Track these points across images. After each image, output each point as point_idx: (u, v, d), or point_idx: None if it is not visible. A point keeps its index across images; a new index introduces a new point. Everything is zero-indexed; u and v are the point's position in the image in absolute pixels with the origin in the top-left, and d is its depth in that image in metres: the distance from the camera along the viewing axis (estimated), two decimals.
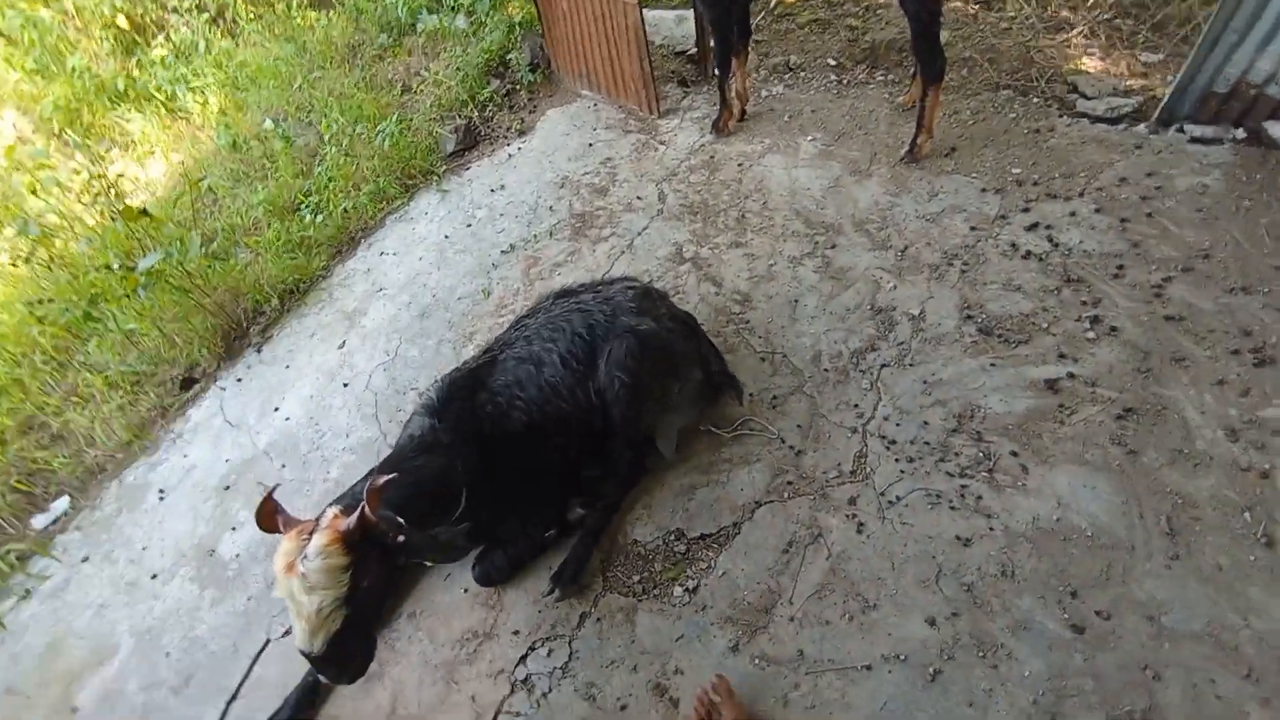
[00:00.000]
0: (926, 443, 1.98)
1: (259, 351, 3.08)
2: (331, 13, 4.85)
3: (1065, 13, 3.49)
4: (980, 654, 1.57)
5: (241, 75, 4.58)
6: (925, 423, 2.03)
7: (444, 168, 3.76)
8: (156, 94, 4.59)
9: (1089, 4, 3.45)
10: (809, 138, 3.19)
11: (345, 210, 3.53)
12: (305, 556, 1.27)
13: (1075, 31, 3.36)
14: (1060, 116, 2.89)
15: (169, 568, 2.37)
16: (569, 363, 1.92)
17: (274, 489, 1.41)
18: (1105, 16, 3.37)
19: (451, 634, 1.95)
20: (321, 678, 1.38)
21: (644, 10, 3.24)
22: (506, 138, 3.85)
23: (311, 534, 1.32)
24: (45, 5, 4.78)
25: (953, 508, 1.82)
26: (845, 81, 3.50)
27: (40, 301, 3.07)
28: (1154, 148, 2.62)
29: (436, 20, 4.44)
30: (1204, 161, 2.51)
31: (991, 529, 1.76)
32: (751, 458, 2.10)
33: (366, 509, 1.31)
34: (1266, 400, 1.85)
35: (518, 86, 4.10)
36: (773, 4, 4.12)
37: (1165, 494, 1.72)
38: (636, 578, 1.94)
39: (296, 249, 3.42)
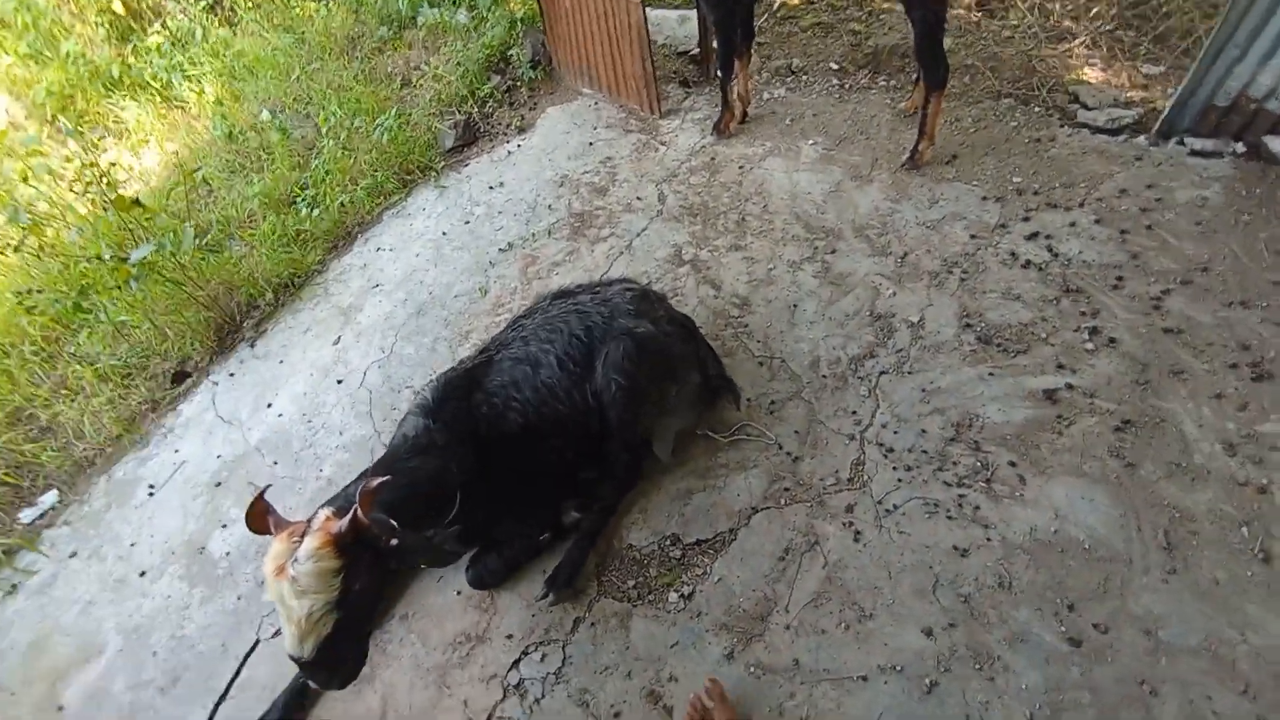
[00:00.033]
0: (924, 451, 1.97)
1: (252, 346, 3.05)
2: (331, 3, 4.79)
3: (1067, 23, 3.50)
4: (977, 666, 1.56)
5: (238, 65, 4.52)
6: (923, 431, 2.02)
7: (442, 163, 3.72)
8: (152, 82, 4.53)
9: (1091, 15, 3.46)
10: (810, 142, 3.18)
11: (342, 205, 3.50)
12: (296, 559, 1.25)
13: (1077, 42, 3.37)
14: (1061, 126, 2.90)
15: (158, 565, 2.34)
16: (566, 364, 1.90)
17: (265, 489, 1.39)
18: (1107, 28, 3.38)
19: (444, 637, 1.93)
20: (311, 683, 1.35)
21: (647, 9, 3.22)
22: (506, 134, 3.82)
23: (303, 536, 1.29)
24: None
25: (950, 517, 1.82)
26: (847, 86, 3.49)
27: (29, 291, 3.02)
28: (1154, 160, 2.63)
29: (437, 14, 4.40)
30: (1204, 175, 2.52)
31: (989, 539, 1.75)
32: (748, 463, 2.09)
33: (359, 511, 1.29)
34: (1264, 415, 1.85)
35: (518, 83, 4.07)
36: (776, 6, 4.11)
37: (1163, 507, 1.72)
38: (631, 583, 1.92)
39: (292, 243, 3.38)
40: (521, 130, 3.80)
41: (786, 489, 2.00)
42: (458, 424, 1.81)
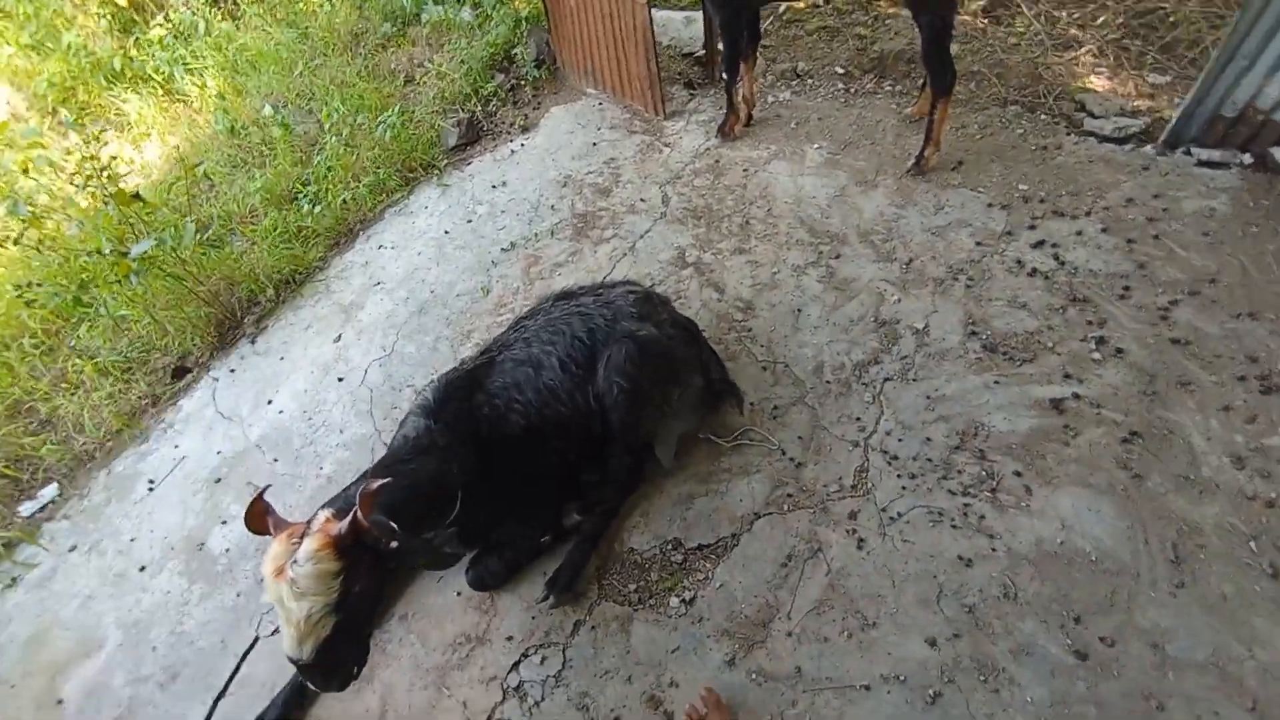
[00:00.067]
0: (929, 459, 1.96)
1: (253, 342, 3.03)
2: None
3: (1074, 31, 3.49)
4: (981, 677, 1.55)
5: (241, 59, 4.50)
6: (928, 439, 2.01)
7: (445, 162, 3.71)
8: (154, 75, 4.51)
9: (1098, 23, 3.45)
10: (815, 146, 3.17)
11: (344, 201, 3.48)
12: (295, 561, 1.23)
13: (1084, 50, 3.36)
14: (1068, 134, 2.89)
15: (157, 560, 2.32)
16: (568, 366, 1.89)
17: (264, 490, 1.37)
18: (1114, 36, 3.38)
19: (444, 638, 1.92)
20: (310, 685, 1.34)
21: (652, 10, 3.21)
22: (510, 133, 3.81)
23: (302, 538, 1.28)
24: None
25: (955, 526, 1.81)
26: (853, 90, 3.48)
27: (29, 285, 2.99)
28: (1161, 169, 2.62)
29: (442, 11, 4.38)
30: (1211, 185, 2.51)
31: (994, 550, 1.74)
32: (751, 468, 2.08)
33: (359, 514, 1.27)
34: (1273, 428, 1.84)
35: (522, 82, 4.06)
36: (782, 9, 4.10)
37: (1171, 520, 1.71)
38: (633, 586, 1.91)
39: (293, 239, 3.36)
40: (525, 129, 3.79)
41: (789, 495, 1.99)
42: (459, 425, 1.80)
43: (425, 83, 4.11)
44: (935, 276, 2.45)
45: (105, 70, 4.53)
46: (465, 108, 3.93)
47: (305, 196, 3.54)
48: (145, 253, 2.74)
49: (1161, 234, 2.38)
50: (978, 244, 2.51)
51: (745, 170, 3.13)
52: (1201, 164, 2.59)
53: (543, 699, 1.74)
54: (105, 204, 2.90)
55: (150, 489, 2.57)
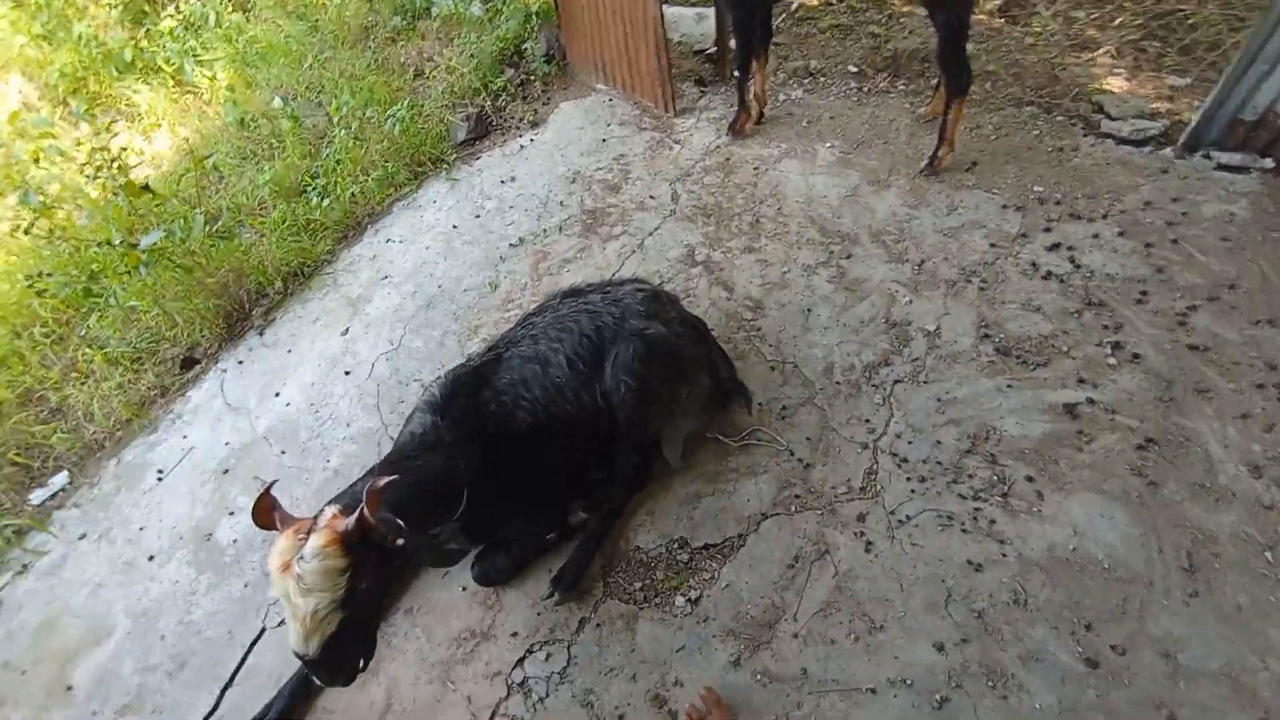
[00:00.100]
0: (939, 463, 1.94)
1: (261, 334, 3.03)
2: None
3: (1092, 31, 3.45)
4: (990, 683, 1.54)
5: (251, 51, 4.50)
6: (938, 442, 1.99)
7: (454, 156, 3.70)
8: (164, 66, 4.51)
9: (1116, 24, 3.41)
10: (827, 145, 3.14)
11: (353, 195, 3.48)
12: (302, 557, 1.23)
13: (1101, 51, 3.32)
14: (1085, 136, 2.85)
15: (166, 550, 2.34)
16: (575, 364, 1.88)
17: (271, 484, 1.37)
18: (1132, 37, 3.33)
19: (449, 632, 1.92)
20: (316, 680, 1.34)
21: (664, 6, 3.18)
22: (519, 129, 3.79)
23: (308, 533, 1.27)
24: None
25: (964, 531, 1.79)
26: (866, 89, 3.45)
27: (40, 275, 3.01)
28: (1180, 173, 2.58)
29: (452, 5, 4.36)
30: (1230, 189, 2.48)
31: (1004, 555, 1.72)
32: (759, 468, 2.06)
33: (366, 511, 1.27)
34: None
35: (532, 77, 4.04)
36: (794, 7, 4.07)
37: (1185, 528, 1.69)
38: (638, 585, 1.90)
39: (302, 232, 3.36)
40: (534, 125, 3.77)
41: (797, 496, 1.98)
42: (466, 421, 1.79)
43: (435, 77, 4.10)
44: (948, 278, 2.42)
45: (116, 61, 4.53)
46: (474, 102, 3.92)
47: (314, 189, 3.54)
48: (155, 244, 2.75)
49: (1180, 238, 2.35)
50: (991, 246, 2.49)
51: (756, 168, 3.11)
52: (1221, 168, 2.56)
53: (547, 695, 1.74)
54: (115, 195, 2.91)
55: (159, 479, 2.58)
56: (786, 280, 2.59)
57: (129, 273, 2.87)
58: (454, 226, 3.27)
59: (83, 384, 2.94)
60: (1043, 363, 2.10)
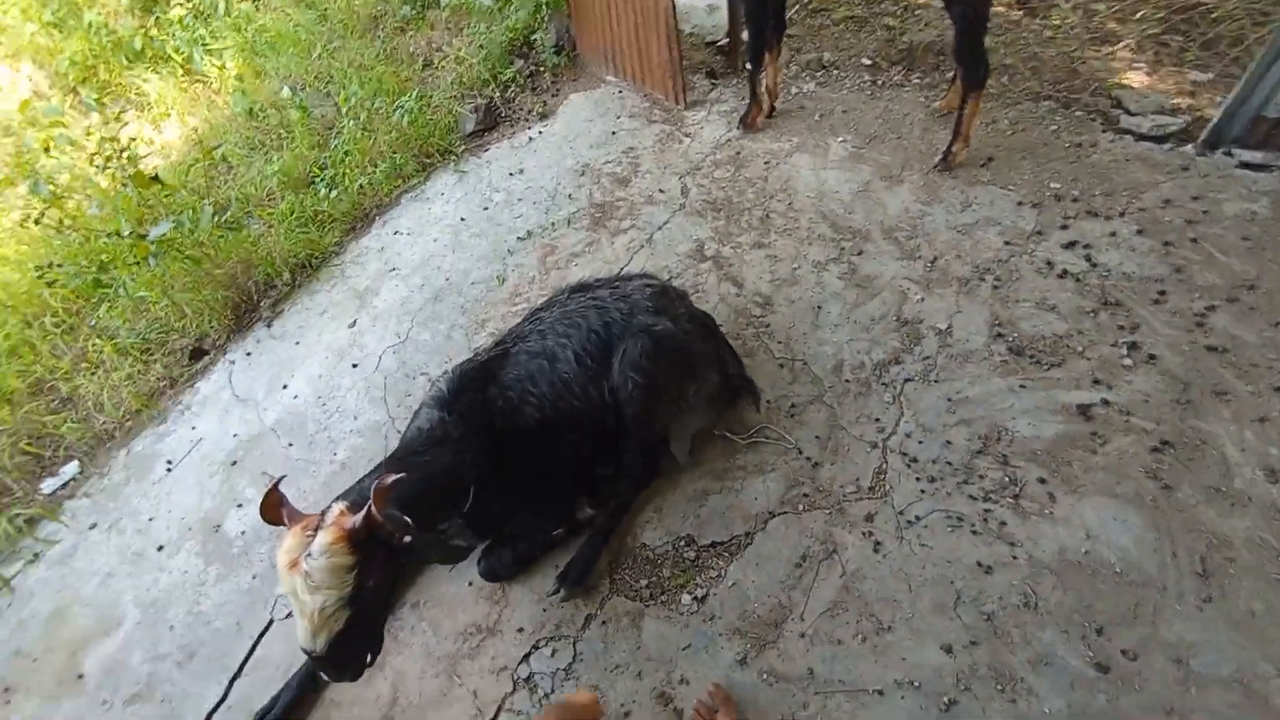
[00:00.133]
0: (949, 463, 1.93)
1: (269, 326, 3.04)
2: None
3: (1112, 25, 3.37)
4: (998, 686, 1.53)
5: (260, 40, 4.49)
6: (949, 442, 1.97)
7: (462, 148, 3.68)
8: (174, 55, 4.51)
9: (1137, 17, 3.33)
10: (839, 139, 3.10)
11: (360, 186, 3.47)
12: (310, 554, 1.23)
13: (1121, 45, 3.25)
14: (1103, 132, 2.80)
15: (175, 541, 2.36)
16: (583, 360, 1.87)
17: (279, 480, 1.37)
18: (1153, 31, 3.26)
19: (455, 626, 1.92)
20: (323, 675, 1.34)
21: None
22: (528, 120, 3.77)
23: (316, 530, 1.27)
24: None
25: (974, 532, 1.77)
26: (880, 82, 3.40)
27: (50, 265, 3.02)
28: (1200, 170, 2.53)
29: None
30: (1253, 188, 2.42)
31: (1015, 557, 1.70)
32: (766, 466, 2.05)
33: (373, 509, 1.26)
34: None
35: (541, 68, 4.01)
36: None
37: (1200, 533, 1.66)
38: (644, 582, 1.90)
39: (309, 223, 3.36)
40: (543, 116, 3.75)
41: (805, 495, 1.97)
42: (473, 417, 1.78)
43: (443, 67, 4.07)
44: (961, 276, 2.39)
45: (126, 50, 4.53)
46: (483, 93, 3.89)
47: (322, 180, 3.53)
48: (164, 235, 2.76)
49: (1200, 237, 2.30)
50: (1006, 243, 2.45)
51: (767, 163, 3.07)
52: (1243, 166, 2.50)
53: (553, 691, 1.75)
54: (124, 186, 2.91)
55: (168, 469, 2.60)
56: (796, 276, 2.56)
57: (138, 263, 2.88)
58: (462, 219, 3.26)
59: (93, 374, 2.96)
60: (1057, 363, 2.07)
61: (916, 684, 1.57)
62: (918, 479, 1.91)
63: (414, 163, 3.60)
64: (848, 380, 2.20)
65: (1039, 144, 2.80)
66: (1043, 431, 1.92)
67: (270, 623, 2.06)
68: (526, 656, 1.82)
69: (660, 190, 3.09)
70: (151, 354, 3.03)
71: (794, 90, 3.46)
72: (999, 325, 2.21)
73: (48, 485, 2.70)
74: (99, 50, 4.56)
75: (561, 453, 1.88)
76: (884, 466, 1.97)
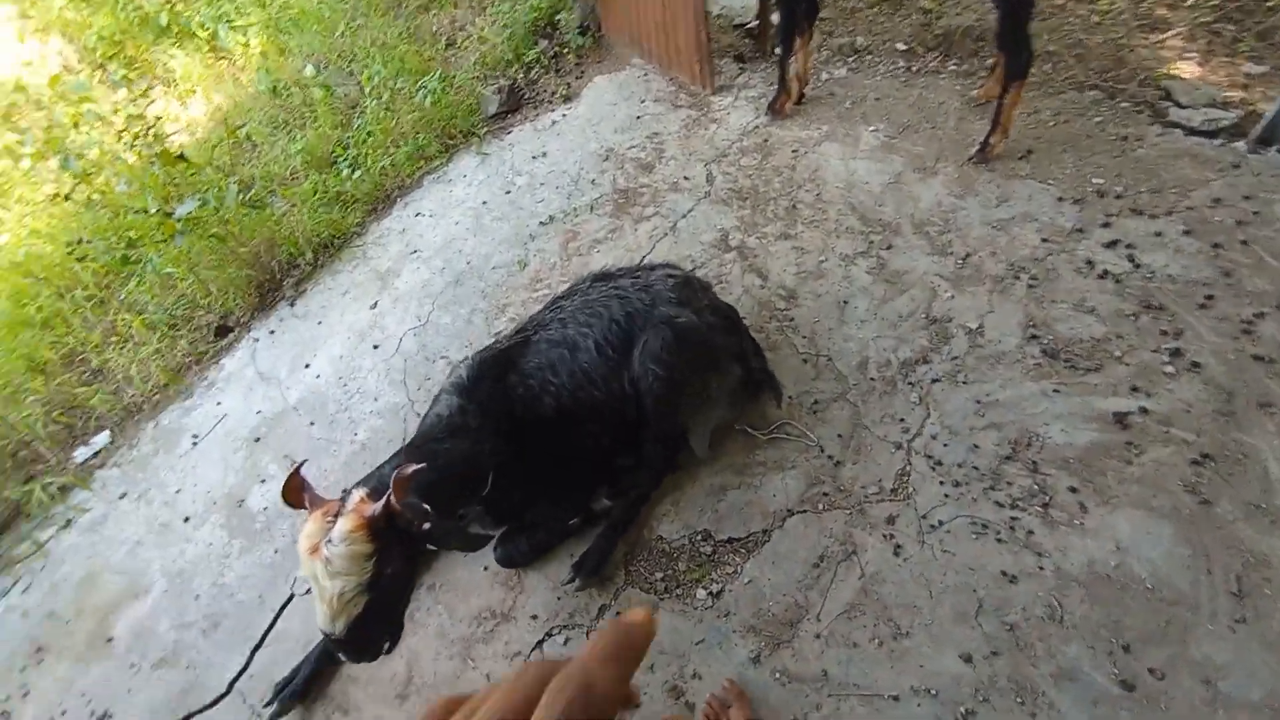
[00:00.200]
0: (976, 467, 1.88)
1: (292, 305, 3.06)
2: None
3: (1163, 10, 3.21)
4: (1018, 699, 1.50)
5: (284, 17, 4.47)
6: (976, 446, 1.92)
7: (485, 130, 3.65)
8: (199, 31, 4.51)
9: (1189, 3, 3.16)
10: (871, 128, 3.01)
11: (383, 167, 3.46)
12: (330, 540, 1.24)
13: (1172, 32, 3.09)
14: (1151, 125, 2.67)
15: (200, 513, 2.41)
16: (604, 350, 1.85)
17: (300, 465, 1.38)
18: (1206, 19, 3.09)
19: (470, 610, 1.94)
20: (341, 657, 1.36)
21: None
22: (551, 103, 3.71)
23: (337, 516, 1.28)
24: None
25: (1000, 540, 1.73)
26: (914, 69, 3.28)
27: (79, 242, 3.08)
28: (1253, 169, 2.41)
29: None
30: None
31: (1041, 568, 1.66)
32: (787, 463, 2.02)
33: (393, 498, 1.27)
34: None
35: (566, 49, 3.94)
36: None
37: (1237, 550, 1.60)
38: (659, 575, 1.90)
39: (332, 203, 3.36)
40: (567, 99, 3.69)
41: (825, 494, 1.94)
42: (492, 405, 1.78)
43: (467, 47, 4.02)
44: (994, 274, 2.31)
45: (152, 25, 4.55)
46: (507, 74, 3.84)
47: (345, 160, 3.53)
48: (189, 213, 2.78)
49: (1250, 239, 2.19)
50: (1044, 241, 2.36)
51: (795, 151, 2.99)
52: None
53: None
54: (151, 164, 2.94)
55: (194, 443, 2.65)
56: (823, 270, 2.50)
57: (165, 241, 2.91)
58: (484, 202, 3.24)
59: (122, 348, 3.02)
60: (1093, 368, 1.99)
61: (933, 692, 1.55)
62: (942, 483, 1.87)
63: (436, 144, 3.58)
64: (873, 378, 2.15)
65: (1082, 136, 2.69)
66: (1076, 439, 1.86)
67: (291, 597, 2.10)
68: (540, 643, 1.83)
69: (685, 177, 3.03)
70: (178, 330, 3.08)
71: (824, 76, 3.36)
72: (1033, 326, 2.14)
73: (80, 454, 2.78)
74: (126, 26, 4.59)
75: (581, 442, 1.87)
76: (908, 468, 1.93)
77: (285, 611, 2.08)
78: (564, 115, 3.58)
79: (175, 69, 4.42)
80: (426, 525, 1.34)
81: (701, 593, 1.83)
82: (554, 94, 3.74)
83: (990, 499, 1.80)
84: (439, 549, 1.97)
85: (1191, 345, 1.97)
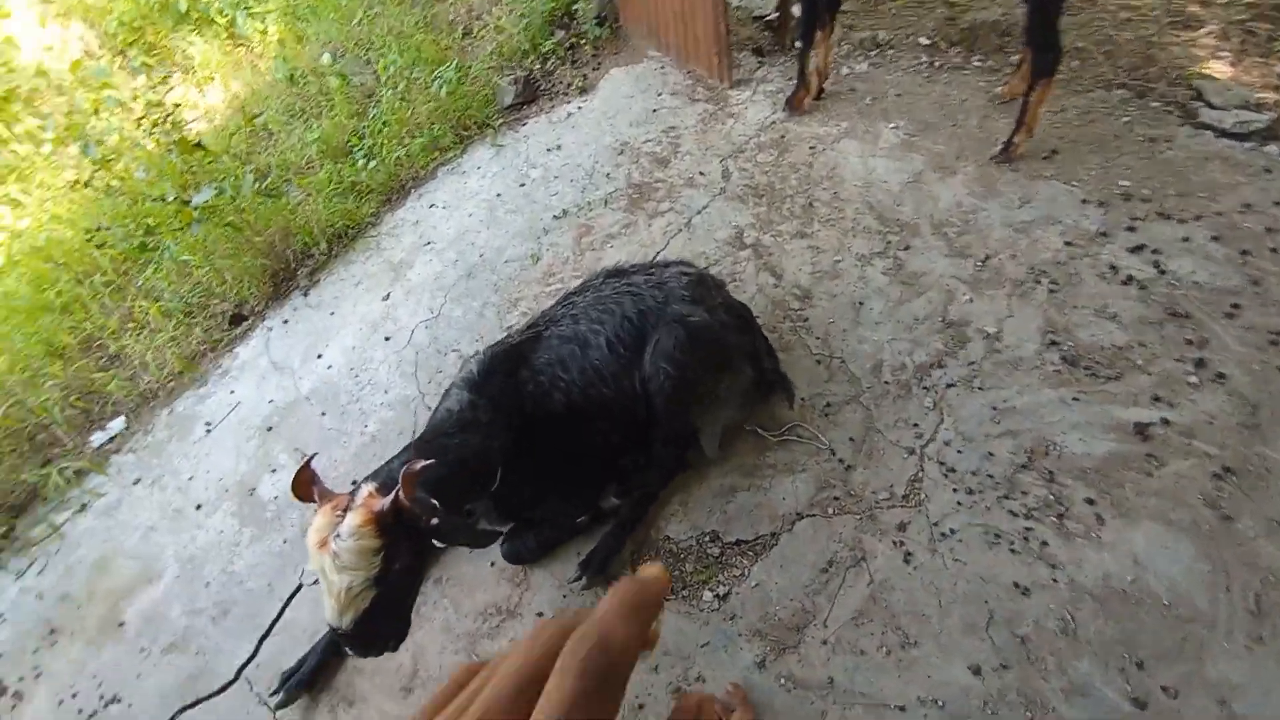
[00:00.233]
0: (990, 476, 1.85)
1: (305, 295, 3.08)
2: None
3: (1195, 7, 3.11)
4: (1028, 713, 1.48)
5: (302, 4, 4.47)
6: (990, 454, 1.89)
7: (500, 121, 3.63)
8: (218, 18, 4.53)
9: (1222, 0, 3.06)
10: (890, 125, 2.95)
11: (398, 158, 3.45)
12: (338, 535, 1.24)
13: (1205, 30, 3.00)
14: (1181, 126, 2.60)
15: (212, 501, 2.44)
16: (615, 347, 1.84)
17: (310, 458, 1.38)
18: (1240, 16, 3.00)
19: (475, 605, 1.95)
20: (349, 651, 1.37)
21: None
22: (567, 95, 3.68)
23: (345, 510, 1.28)
24: None
25: (1013, 550, 1.70)
26: (937, 65, 3.21)
27: (99, 229, 3.11)
28: None
29: None
30: None
31: (1055, 580, 1.63)
32: (797, 466, 2.00)
33: (402, 494, 1.27)
34: None
35: (582, 40, 3.90)
36: None
37: (1257, 568, 1.56)
38: None
39: (347, 193, 3.37)
40: (583, 91, 3.66)
41: (835, 498, 1.91)
42: (503, 400, 1.77)
43: (483, 36, 4.00)
44: (1014, 277, 2.27)
45: (172, 11, 4.57)
46: (523, 65, 3.82)
47: (360, 150, 3.53)
48: (206, 202, 2.80)
49: None
50: (1066, 244, 2.31)
51: (812, 148, 2.95)
52: None
53: None
54: (169, 151, 2.96)
55: (208, 431, 2.68)
56: (838, 269, 2.47)
57: (182, 228, 2.94)
58: (498, 194, 3.22)
59: (139, 334, 3.05)
60: (1115, 376, 1.95)
61: (940, 703, 1.53)
62: (955, 490, 1.84)
63: (451, 135, 3.57)
64: (887, 382, 2.12)
65: (1109, 137, 2.62)
66: (1094, 449, 1.82)
67: (299, 587, 2.12)
68: None
69: (700, 173, 3.00)
70: (193, 317, 3.11)
71: (844, 71, 3.30)
72: (1053, 332, 2.10)
73: (96, 439, 2.82)
74: (146, 11, 4.61)
75: (590, 440, 1.87)
76: (920, 474, 1.90)
77: (293, 601, 2.10)
78: (579, 107, 3.56)
79: (194, 56, 4.44)
80: (435, 521, 1.35)
81: (708, 594, 1.82)
82: (570, 86, 3.71)
83: (1004, 508, 1.77)
84: (447, 545, 1.97)
85: (1217, 355, 1.92)
